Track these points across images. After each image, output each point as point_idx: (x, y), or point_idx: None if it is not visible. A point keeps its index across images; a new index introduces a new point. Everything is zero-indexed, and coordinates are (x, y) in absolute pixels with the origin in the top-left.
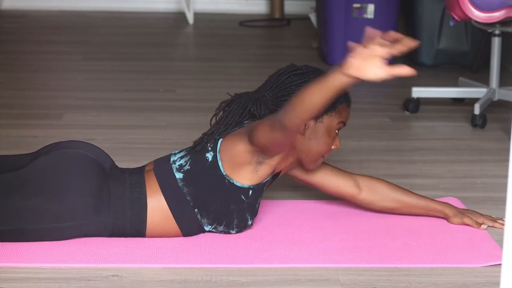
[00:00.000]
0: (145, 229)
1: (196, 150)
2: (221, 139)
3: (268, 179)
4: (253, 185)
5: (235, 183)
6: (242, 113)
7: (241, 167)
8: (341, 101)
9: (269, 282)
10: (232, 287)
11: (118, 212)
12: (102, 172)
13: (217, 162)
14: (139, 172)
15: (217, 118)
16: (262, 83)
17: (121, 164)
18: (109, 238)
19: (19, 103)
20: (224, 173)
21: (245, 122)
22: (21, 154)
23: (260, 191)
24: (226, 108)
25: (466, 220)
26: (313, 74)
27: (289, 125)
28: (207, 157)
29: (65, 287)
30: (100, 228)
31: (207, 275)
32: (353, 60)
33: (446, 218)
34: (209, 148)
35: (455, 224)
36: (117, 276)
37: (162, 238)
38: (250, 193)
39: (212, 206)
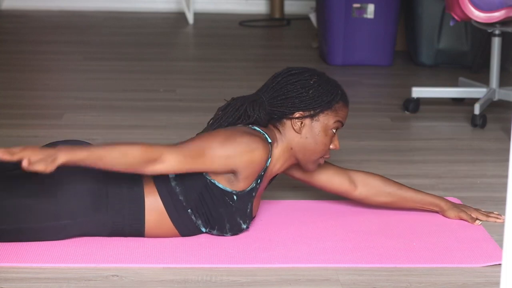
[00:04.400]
0: (144, 228)
1: None
2: None
3: (252, 187)
4: (235, 191)
5: (216, 183)
6: (236, 113)
7: (217, 174)
8: (337, 100)
9: (269, 282)
10: (232, 287)
11: (116, 211)
12: (100, 171)
13: None
14: None
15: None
16: (259, 88)
17: None
18: (109, 238)
19: (19, 103)
20: (206, 175)
21: (238, 123)
22: None
23: (247, 197)
24: (222, 111)
25: (462, 215)
26: (308, 73)
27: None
28: None
29: (65, 287)
30: (99, 226)
31: (207, 275)
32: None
33: (441, 212)
34: None
35: (450, 218)
36: (117, 276)
37: (162, 238)
38: (235, 198)
39: (202, 208)
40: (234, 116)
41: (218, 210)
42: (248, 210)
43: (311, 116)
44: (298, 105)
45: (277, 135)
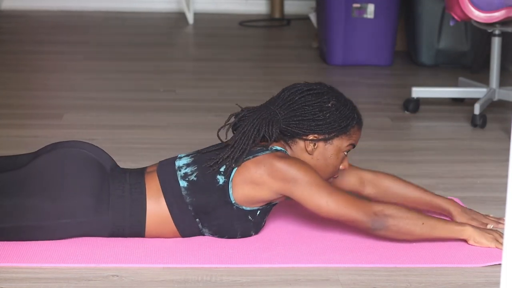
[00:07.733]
0: (144, 230)
1: (206, 166)
2: (235, 168)
3: (277, 201)
4: (262, 206)
5: (244, 208)
6: (257, 135)
7: (257, 202)
8: (353, 124)
9: (269, 282)
10: (232, 287)
11: (117, 212)
12: (103, 172)
13: (228, 190)
14: (140, 173)
15: (231, 139)
16: (273, 97)
17: (121, 164)
18: (109, 238)
19: (19, 103)
20: (233, 201)
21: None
22: (21, 154)
23: (268, 210)
24: (238, 126)
25: (473, 222)
26: (326, 94)
27: (378, 235)
28: (218, 179)
29: (65, 287)
30: (100, 227)
31: (207, 275)
32: (481, 237)
33: (450, 216)
34: (221, 171)
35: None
36: (117, 276)
37: (162, 238)
38: (258, 213)
39: (215, 221)
40: (253, 138)
41: (233, 225)
42: (263, 223)
43: (325, 140)
44: (314, 128)
45: (288, 152)
